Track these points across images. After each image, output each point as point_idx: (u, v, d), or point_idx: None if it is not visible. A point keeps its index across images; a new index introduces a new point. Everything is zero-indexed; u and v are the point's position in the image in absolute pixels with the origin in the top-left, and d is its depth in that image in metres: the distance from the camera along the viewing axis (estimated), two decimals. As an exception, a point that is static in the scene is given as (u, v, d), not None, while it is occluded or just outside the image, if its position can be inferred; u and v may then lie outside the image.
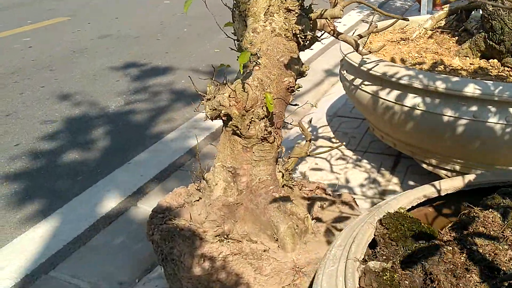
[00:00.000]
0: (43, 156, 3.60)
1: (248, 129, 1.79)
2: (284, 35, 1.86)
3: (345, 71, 2.90)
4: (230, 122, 1.79)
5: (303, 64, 1.95)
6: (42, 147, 3.74)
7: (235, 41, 2.06)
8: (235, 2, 1.98)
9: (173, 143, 3.73)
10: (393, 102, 2.49)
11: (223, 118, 1.79)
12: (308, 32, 1.88)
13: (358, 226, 1.30)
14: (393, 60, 2.81)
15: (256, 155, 1.83)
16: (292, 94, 1.93)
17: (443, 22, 3.34)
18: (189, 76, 1.85)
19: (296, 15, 1.86)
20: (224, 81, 1.86)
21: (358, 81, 2.72)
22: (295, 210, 1.77)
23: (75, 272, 2.46)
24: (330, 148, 2.01)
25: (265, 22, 1.87)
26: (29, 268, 2.48)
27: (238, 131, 1.80)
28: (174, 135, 3.87)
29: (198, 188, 2.11)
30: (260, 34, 1.86)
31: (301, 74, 1.95)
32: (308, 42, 1.93)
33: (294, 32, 1.85)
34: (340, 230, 1.81)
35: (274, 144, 1.85)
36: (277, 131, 1.87)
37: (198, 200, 2.04)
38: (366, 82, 2.66)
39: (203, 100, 1.88)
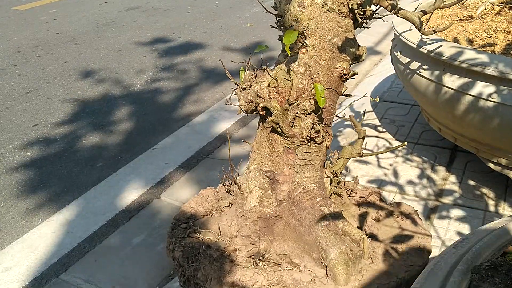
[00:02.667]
0: (62, 138, 3.34)
1: (292, 126, 1.45)
2: (338, 10, 1.50)
3: (398, 53, 2.51)
4: (270, 117, 1.45)
5: (359, 46, 1.59)
6: (61, 128, 3.48)
7: (276, 16, 1.71)
8: (277, -32, 1.63)
9: (201, 127, 3.42)
10: (458, 90, 2.11)
11: (261, 112, 1.45)
12: (368, 8, 1.51)
13: (442, 271, 0.96)
14: (456, 41, 2.41)
15: (301, 159, 1.49)
16: (345, 82, 1.58)
17: (512, -4, 2.90)
18: (220, 60, 1.52)
19: (354, -15, 1.50)
20: (263, 67, 1.52)
21: (415, 65, 2.34)
22: (348, 229, 1.43)
23: (88, 276, 2.19)
24: (387, 149, 1.66)
25: (314, -7, 1.50)
26: (39, 269, 2.23)
27: (279, 129, 1.46)
28: (203, 118, 3.56)
29: (228, 190, 1.79)
30: (308, 9, 1.50)
31: (357, 59, 1.60)
32: (365, 19, 1.56)
33: (350, 7, 1.49)
34: (402, 253, 1.47)
35: (322, 145, 1.51)
36: (327, 129, 1.52)
37: (228, 206, 1.73)
38: (425, 66, 2.27)
39: (236, 89, 1.54)
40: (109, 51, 4.99)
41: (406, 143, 1.64)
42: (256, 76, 1.51)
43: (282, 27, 1.57)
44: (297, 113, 1.44)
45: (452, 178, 2.57)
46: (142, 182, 2.83)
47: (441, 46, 2.17)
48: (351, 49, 1.54)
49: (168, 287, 2.12)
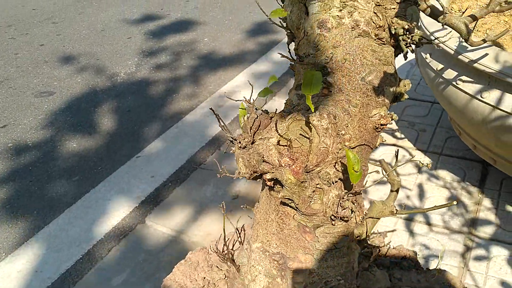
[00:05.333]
0: (34, 144, 2.92)
1: (310, 202, 1.05)
2: (375, 35, 1.08)
3: (428, 55, 2.08)
4: (280, 191, 1.05)
5: (400, 80, 1.17)
6: (34, 130, 3.06)
7: (285, 30, 1.28)
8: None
9: (192, 128, 3.01)
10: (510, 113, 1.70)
11: (268, 183, 1.05)
12: (416, 31, 1.09)
13: None
14: (498, 45, 1.98)
15: (322, 241, 1.10)
16: (380, 133, 1.17)
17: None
18: (211, 108, 1.10)
19: (398, 0, 1.07)
20: (269, 112, 1.11)
21: (451, 74, 1.92)
22: None
23: (58, 334, 1.83)
24: (430, 208, 1.26)
25: (341, 10, 1.08)
26: (-2, 326, 1.87)
27: (292, 204, 1.06)
28: (194, 117, 3.14)
29: (222, 255, 1.40)
30: (333, 32, 1.08)
31: (397, 98, 1.18)
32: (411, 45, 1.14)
33: (393, 32, 1.07)
34: None
35: (351, 221, 1.11)
36: (357, 201, 1.12)
37: (225, 279, 1.34)
38: (464, 78, 1.86)
39: (232, 140, 1.13)
40: (90, 31, 4.51)
41: (455, 202, 1.24)
42: (260, 124, 1.10)
43: (297, 59, 1.15)
44: (318, 184, 1.04)
45: (487, 202, 2.19)
46: (124, 201, 2.44)
47: (487, 54, 1.75)
48: (391, 89, 1.12)
49: None
